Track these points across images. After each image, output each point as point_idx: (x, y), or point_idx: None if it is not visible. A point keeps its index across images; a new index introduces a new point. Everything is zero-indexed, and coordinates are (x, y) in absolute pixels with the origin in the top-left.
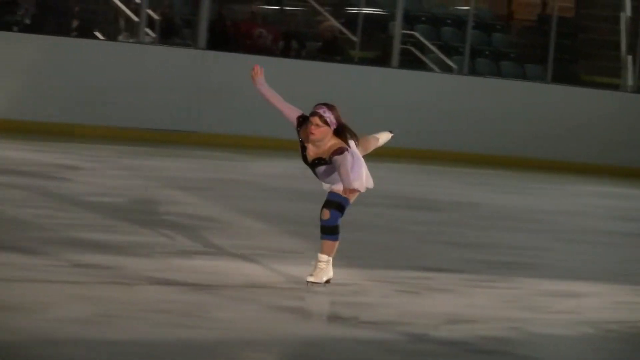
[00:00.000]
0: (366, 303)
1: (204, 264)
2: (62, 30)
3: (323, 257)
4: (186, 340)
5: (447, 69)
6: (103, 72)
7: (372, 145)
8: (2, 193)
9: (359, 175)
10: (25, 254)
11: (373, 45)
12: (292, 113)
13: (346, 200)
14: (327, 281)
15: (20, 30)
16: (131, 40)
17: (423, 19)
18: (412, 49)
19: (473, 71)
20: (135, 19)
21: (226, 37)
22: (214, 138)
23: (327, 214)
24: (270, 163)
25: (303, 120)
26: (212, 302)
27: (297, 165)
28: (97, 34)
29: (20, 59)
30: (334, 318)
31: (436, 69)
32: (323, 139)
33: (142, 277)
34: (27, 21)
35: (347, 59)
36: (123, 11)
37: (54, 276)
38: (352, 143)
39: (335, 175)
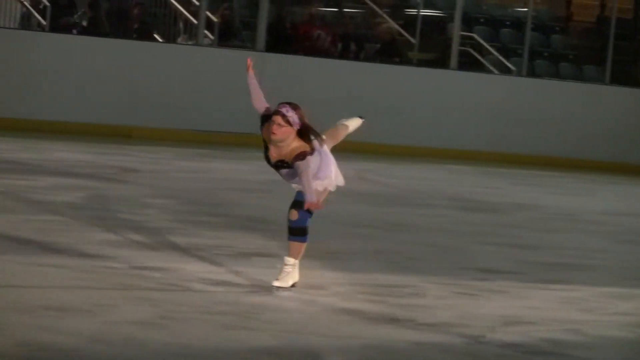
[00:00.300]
0: (423, 305)
1: (264, 266)
2: (121, 32)
3: (290, 260)
4: (245, 342)
5: (505, 71)
6: (162, 74)
7: (342, 134)
8: (62, 195)
9: (328, 174)
10: (84, 256)
11: (431, 47)
12: (263, 111)
13: None
14: (293, 285)
15: (80, 33)
16: (190, 43)
17: (482, 20)
18: (471, 50)
19: (532, 73)
20: (194, 21)
21: (285, 39)
22: None
23: (295, 214)
24: None
25: (266, 119)
26: (271, 304)
27: (356, 167)
28: (156, 37)
29: (79, 61)
30: (391, 320)
31: (495, 70)
32: (285, 140)
33: (201, 279)
34: (84, 23)
35: (406, 61)
36: (182, 13)
37: (113, 279)
38: (320, 141)
39: None
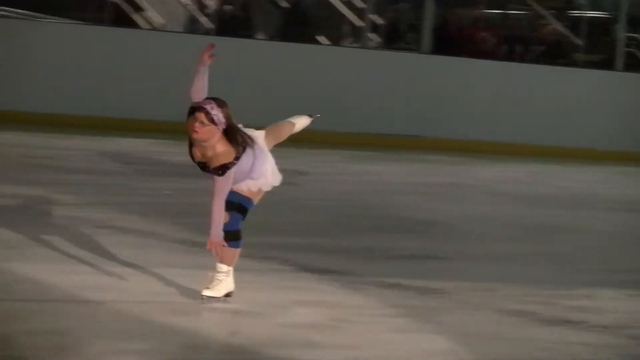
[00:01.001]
0: (595, 307)
1: (432, 268)
2: (297, 36)
3: (222, 267)
4: (419, 344)
5: None
6: (328, 77)
7: (286, 132)
8: None
9: (263, 172)
10: (254, 259)
11: (597, 49)
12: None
13: (248, 200)
14: (228, 295)
15: (246, 37)
16: (355, 45)
17: None
18: (636, 52)
19: None
20: (360, 23)
21: (450, 42)
22: (439, 142)
23: (226, 217)
24: (497, 167)
25: (192, 112)
26: (442, 306)
27: (524, 169)
28: (322, 39)
29: (249, 64)
30: (563, 322)
31: None
32: (208, 140)
33: (371, 282)
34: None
35: (571, 63)
36: (347, 16)
37: (285, 281)
38: (259, 134)
39: (235, 177)
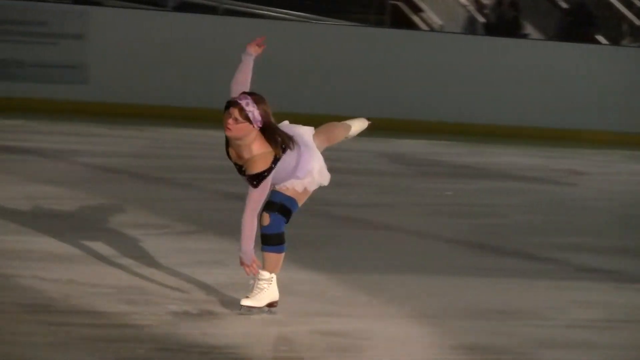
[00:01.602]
0: None
1: None
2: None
3: (264, 274)
4: None
5: None
6: (606, 77)
7: (340, 135)
8: (509, 199)
9: (310, 170)
10: (526, 259)
11: None
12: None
13: (292, 201)
14: (271, 305)
15: (522, 36)
16: (634, 45)
17: None
18: None
19: None
20: (638, 22)
21: None
22: None
23: (267, 219)
24: None
25: (227, 107)
26: None
27: None
28: (600, 38)
29: (525, 64)
30: None
31: None
32: (243, 138)
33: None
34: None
35: None
36: (626, 15)
37: (561, 281)
38: (307, 130)
39: (277, 175)
